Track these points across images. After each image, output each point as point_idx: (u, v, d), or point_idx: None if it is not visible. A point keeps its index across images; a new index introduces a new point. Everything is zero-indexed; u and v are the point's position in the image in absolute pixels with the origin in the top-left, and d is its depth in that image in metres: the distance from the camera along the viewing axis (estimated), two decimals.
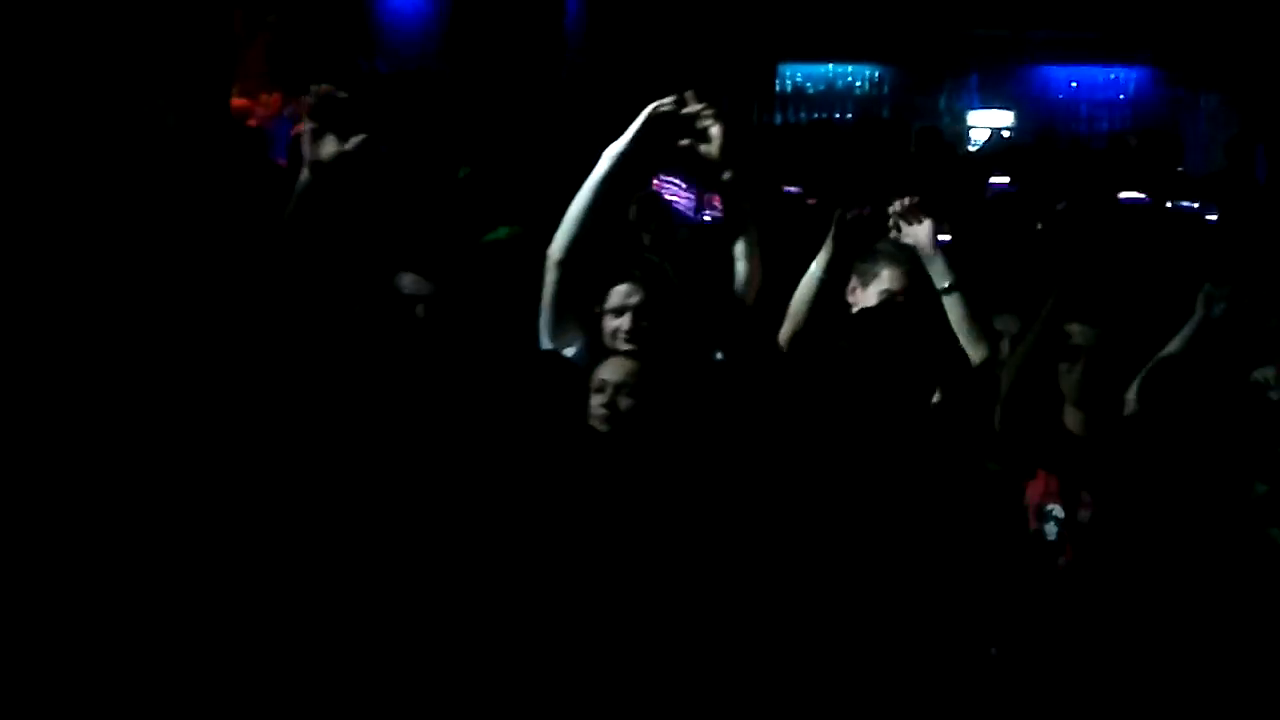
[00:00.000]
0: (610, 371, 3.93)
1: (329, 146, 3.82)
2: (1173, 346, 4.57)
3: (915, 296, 4.34)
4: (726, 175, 4.11)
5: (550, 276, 4.10)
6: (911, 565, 3.27)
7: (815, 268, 4.25)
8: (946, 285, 4.26)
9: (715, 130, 4.07)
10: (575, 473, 3.34)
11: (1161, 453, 3.89)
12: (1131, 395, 4.21)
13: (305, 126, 3.84)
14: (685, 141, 4.09)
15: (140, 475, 3.27)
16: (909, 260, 4.35)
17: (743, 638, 3.15)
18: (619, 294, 4.10)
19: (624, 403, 3.87)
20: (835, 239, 4.27)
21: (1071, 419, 4.08)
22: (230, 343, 3.54)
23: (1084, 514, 3.91)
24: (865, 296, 4.36)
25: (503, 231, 5.02)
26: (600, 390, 3.89)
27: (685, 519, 3.36)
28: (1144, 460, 3.87)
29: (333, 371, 3.53)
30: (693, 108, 4.07)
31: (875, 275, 4.36)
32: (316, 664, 3.06)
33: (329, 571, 3.16)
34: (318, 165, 3.80)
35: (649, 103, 4.12)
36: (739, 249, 4.17)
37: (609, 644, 3.14)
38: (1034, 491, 3.99)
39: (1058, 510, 3.94)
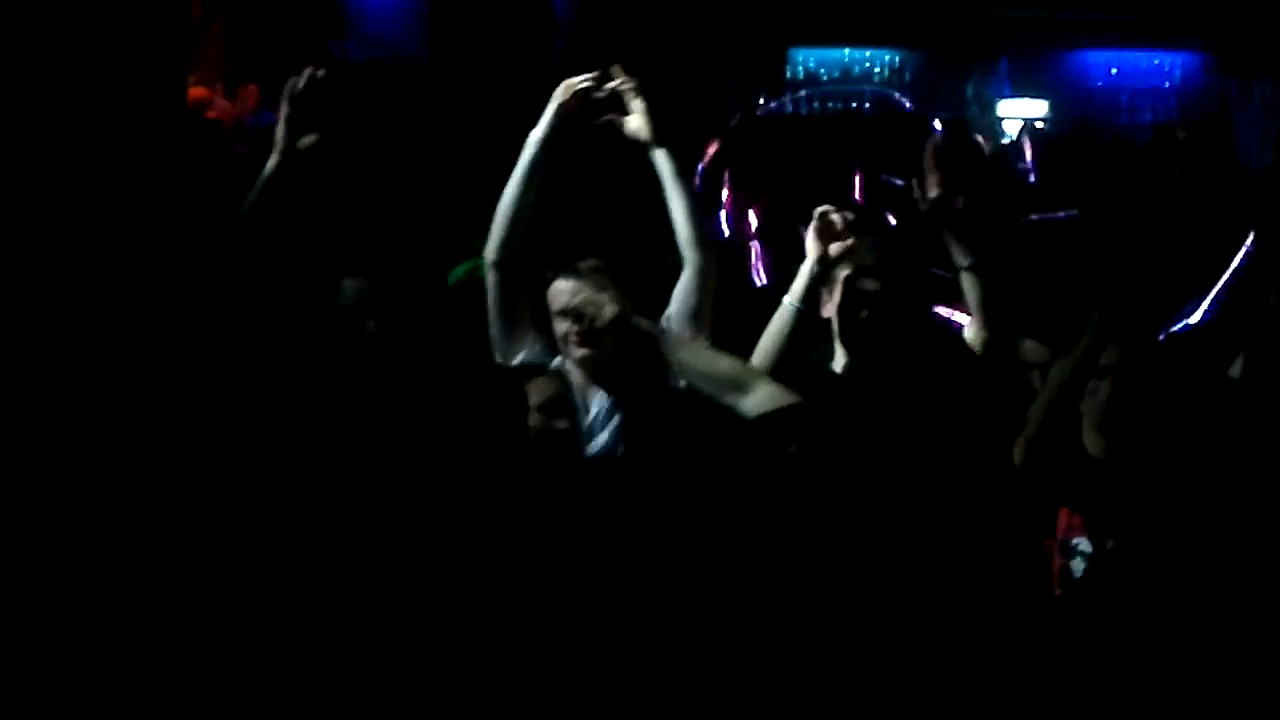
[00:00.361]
0: (536, 393, 3.92)
1: (308, 136, 3.88)
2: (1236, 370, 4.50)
3: (890, 292, 4.26)
4: (661, 157, 4.17)
5: (489, 280, 4.19)
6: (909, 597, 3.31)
7: (791, 299, 4.17)
8: (966, 264, 4.23)
9: (637, 105, 4.16)
10: (518, 495, 3.41)
11: (1195, 483, 3.88)
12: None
13: (283, 111, 3.90)
14: (606, 119, 4.19)
15: (72, 476, 3.35)
16: (871, 255, 4.26)
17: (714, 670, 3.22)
18: (564, 293, 4.14)
19: (558, 424, 3.89)
20: (818, 240, 4.17)
21: (1093, 443, 4.08)
22: (181, 339, 3.60)
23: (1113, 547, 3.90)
24: (834, 302, 4.27)
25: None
26: (537, 410, 3.89)
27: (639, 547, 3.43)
28: (1174, 490, 3.86)
29: (276, 384, 3.59)
30: (613, 83, 4.18)
31: (839, 279, 4.25)
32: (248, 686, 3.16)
33: (261, 586, 3.25)
34: (291, 154, 3.87)
35: (648, 94, 4.19)
36: (683, 237, 4.19)
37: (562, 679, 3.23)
38: (1058, 524, 4.02)
39: (1084, 544, 3.94)
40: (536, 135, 4.20)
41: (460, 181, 6.70)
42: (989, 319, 4.15)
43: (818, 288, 4.16)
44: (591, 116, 4.23)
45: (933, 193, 4.20)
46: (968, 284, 4.16)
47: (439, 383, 3.81)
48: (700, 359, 3.84)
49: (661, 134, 4.19)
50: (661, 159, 4.19)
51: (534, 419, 3.87)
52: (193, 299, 3.75)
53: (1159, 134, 11.21)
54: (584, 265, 4.19)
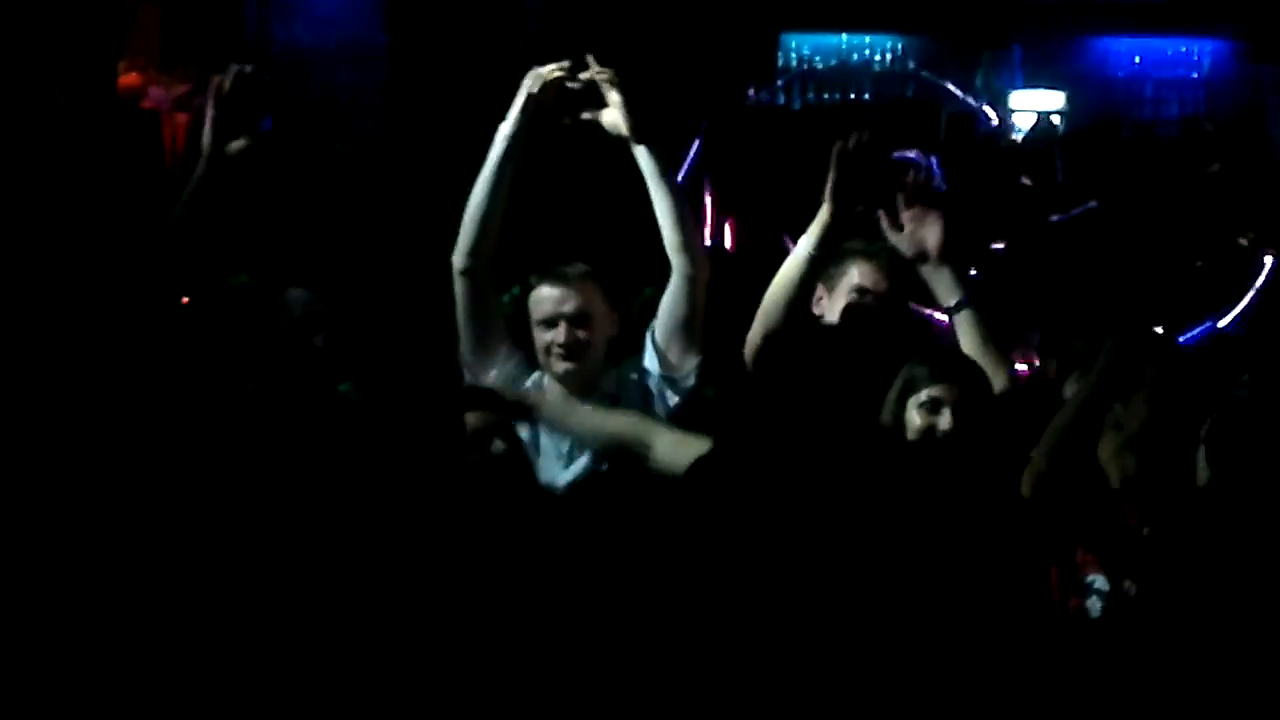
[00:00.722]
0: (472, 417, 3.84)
1: (237, 139, 3.86)
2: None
3: (895, 296, 4.33)
4: (643, 154, 4.15)
5: (458, 289, 4.17)
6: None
7: (805, 244, 4.18)
8: (954, 303, 4.22)
9: (614, 97, 4.14)
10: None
11: (1228, 518, 3.87)
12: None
13: (210, 112, 3.88)
14: (585, 115, 4.17)
15: None
16: (883, 254, 4.33)
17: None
18: (549, 300, 4.14)
19: (495, 446, 3.81)
20: (835, 187, 4.16)
21: (1123, 467, 4.06)
22: (104, 341, 3.61)
23: (1130, 585, 3.88)
24: (833, 304, 4.36)
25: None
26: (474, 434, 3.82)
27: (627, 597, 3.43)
28: (1205, 526, 3.85)
29: (211, 407, 3.60)
30: (588, 73, 4.16)
31: (843, 274, 4.34)
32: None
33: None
34: (218, 159, 3.84)
35: (626, 85, 4.16)
36: (670, 241, 4.18)
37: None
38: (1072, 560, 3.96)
39: (1100, 582, 3.92)
40: (505, 130, 4.17)
41: (420, 180, 6.66)
42: (989, 359, 4.14)
43: (835, 235, 4.17)
44: (565, 109, 4.20)
45: (907, 228, 4.20)
46: (961, 324, 4.16)
47: (392, 404, 3.80)
48: (590, 422, 3.85)
49: (642, 129, 4.16)
50: (643, 156, 4.17)
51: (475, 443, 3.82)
52: (120, 296, 3.75)
53: (1187, 128, 11.25)
54: (571, 270, 4.17)
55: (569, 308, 4.12)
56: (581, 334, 4.13)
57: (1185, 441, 4.00)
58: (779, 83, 13.65)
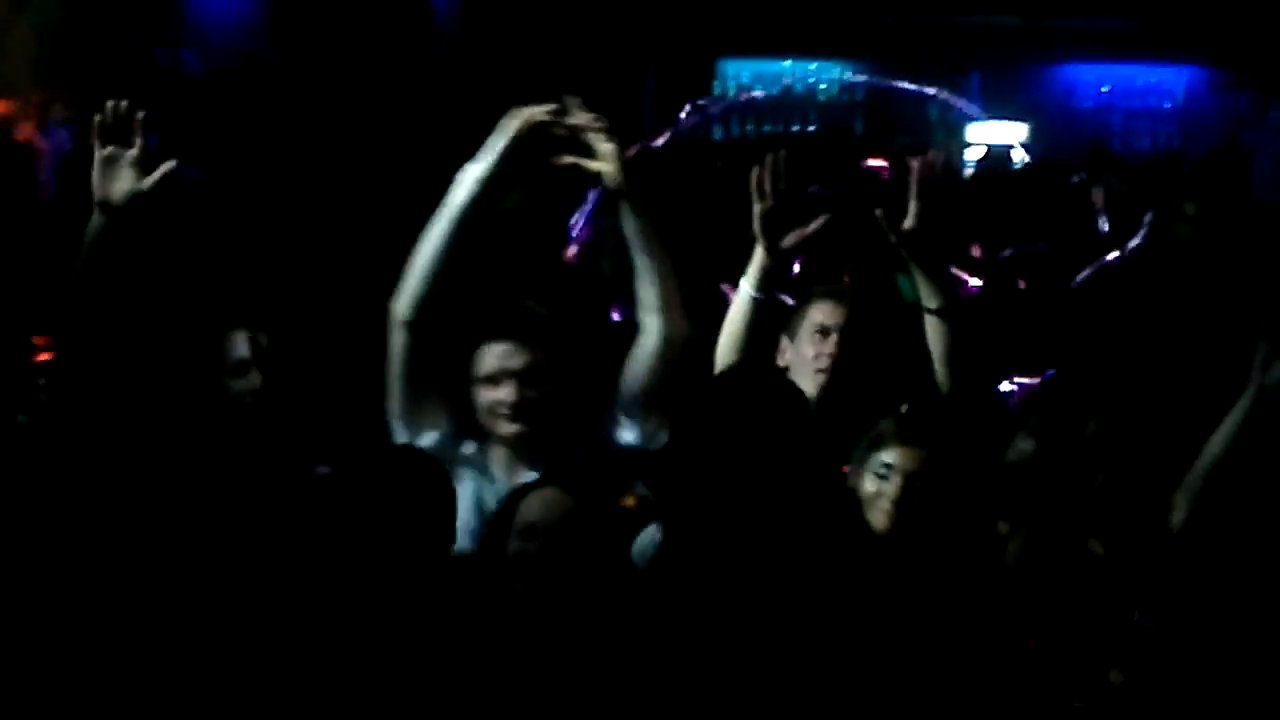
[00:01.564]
0: (537, 511, 3.79)
1: (123, 183, 3.87)
2: (1226, 430, 4.53)
3: (855, 328, 4.46)
4: (629, 209, 4.19)
5: (397, 341, 4.14)
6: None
7: (745, 286, 4.33)
8: (935, 307, 4.30)
9: (607, 147, 4.17)
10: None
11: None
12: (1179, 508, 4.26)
13: (97, 155, 3.89)
14: (567, 160, 4.19)
15: None
16: (841, 291, 4.56)
17: None
18: (496, 355, 4.12)
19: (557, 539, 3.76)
20: (763, 219, 4.32)
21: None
22: None
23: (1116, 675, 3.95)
24: (797, 349, 4.48)
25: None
26: (530, 536, 3.76)
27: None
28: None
29: (135, 458, 3.59)
30: (577, 118, 4.17)
31: (803, 318, 4.50)
32: None
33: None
34: (108, 207, 3.86)
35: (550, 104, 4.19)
36: (649, 301, 4.23)
37: None
38: None
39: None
40: (476, 172, 4.15)
41: (331, 214, 6.66)
42: (956, 364, 4.27)
43: (775, 273, 4.30)
44: (541, 152, 4.21)
45: (909, 223, 4.26)
46: (933, 328, 4.28)
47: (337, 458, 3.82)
48: None
49: (633, 183, 4.18)
50: (628, 211, 4.19)
51: (525, 542, 3.76)
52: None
53: (1161, 163, 11.34)
54: (521, 321, 4.16)
55: (517, 362, 4.10)
56: (531, 393, 4.10)
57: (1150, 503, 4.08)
58: (714, 112, 13.68)
